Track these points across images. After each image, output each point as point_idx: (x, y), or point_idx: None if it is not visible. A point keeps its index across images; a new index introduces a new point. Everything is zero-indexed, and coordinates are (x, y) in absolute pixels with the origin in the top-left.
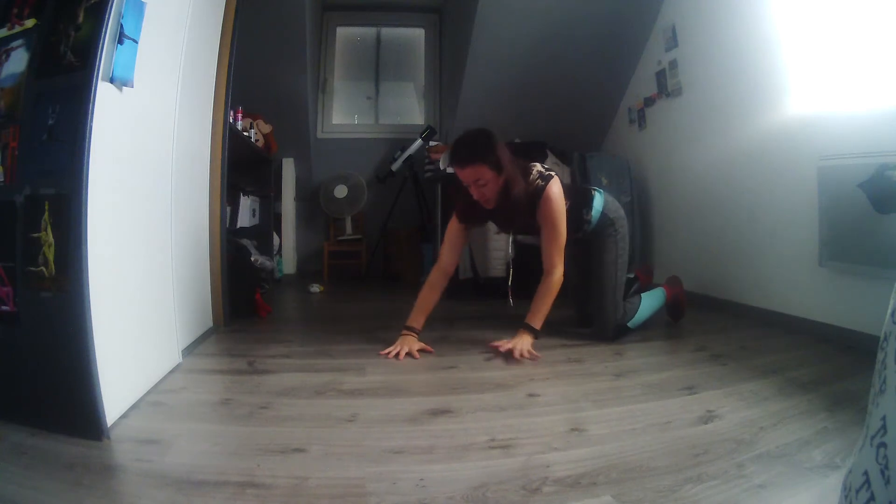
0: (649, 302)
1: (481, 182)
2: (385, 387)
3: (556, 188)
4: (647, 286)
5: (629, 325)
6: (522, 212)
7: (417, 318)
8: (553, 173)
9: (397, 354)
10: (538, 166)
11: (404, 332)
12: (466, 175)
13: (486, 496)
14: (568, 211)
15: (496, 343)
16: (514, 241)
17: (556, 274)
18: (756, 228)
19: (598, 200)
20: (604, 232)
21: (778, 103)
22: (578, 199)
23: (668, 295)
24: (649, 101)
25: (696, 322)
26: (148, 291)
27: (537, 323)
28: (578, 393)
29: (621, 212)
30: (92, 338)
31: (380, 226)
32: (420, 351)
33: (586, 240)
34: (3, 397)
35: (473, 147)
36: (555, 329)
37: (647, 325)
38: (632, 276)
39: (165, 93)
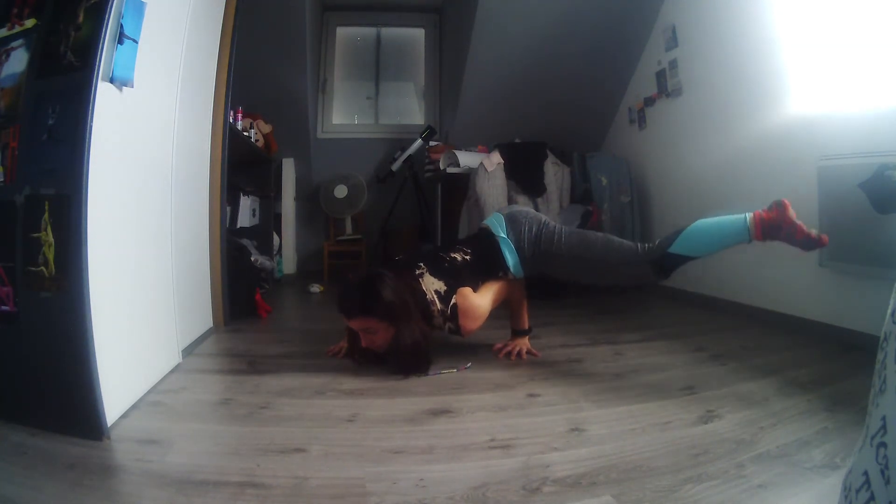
0: (708, 225)
1: (371, 330)
2: (385, 387)
3: (465, 299)
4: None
5: (671, 251)
6: (423, 355)
7: None
8: (451, 287)
9: (337, 353)
10: (433, 286)
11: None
12: (354, 325)
13: (486, 496)
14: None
15: (497, 345)
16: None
17: (508, 296)
18: None
19: (511, 257)
20: (538, 263)
21: (778, 103)
22: (491, 264)
23: (755, 219)
24: (649, 101)
25: (697, 322)
26: (148, 291)
27: (523, 324)
28: (578, 393)
29: (533, 231)
30: (92, 338)
31: (380, 226)
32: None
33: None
34: (3, 397)
35: (360, 299)
36: (556, 328)
37: (714, 255)
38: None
39: (165, 93)
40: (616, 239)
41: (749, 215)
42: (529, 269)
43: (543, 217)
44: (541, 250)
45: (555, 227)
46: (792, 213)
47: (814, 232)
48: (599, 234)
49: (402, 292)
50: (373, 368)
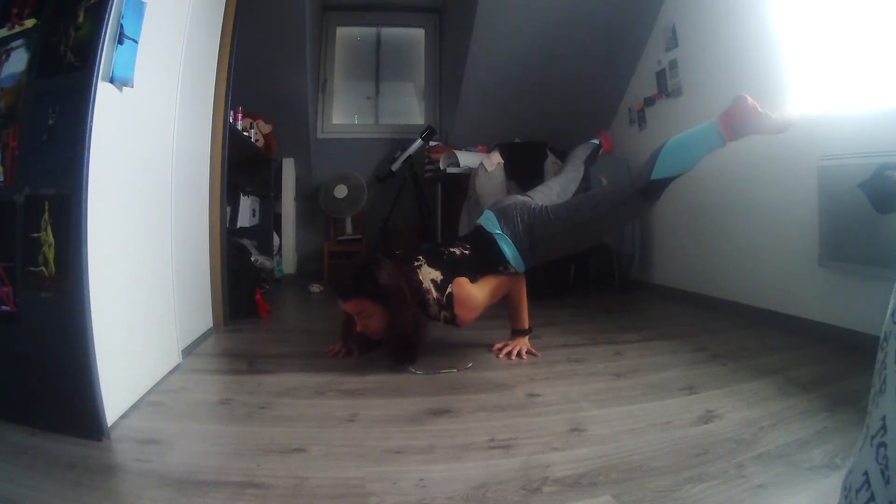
0: (681, 140)
1: (365, 314)
2: (385, 387)
3: (461, 288)
4: (610, 151)
5: (654, 178)
6: (416, 342)
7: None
8: (448, 276)
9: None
10: (429, 276)
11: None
12: (349, 307)
13: (486, 496)
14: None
15: (497, 346)
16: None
17: (508, 293)
18: (756, 228)
19: (510, 250)
20: (538, 251)
21: (778, 103)
22: (489, 259)
23: (721, 121)
24: (649, 101)
25: (696, 322)
26: (148, 291)
27: (523, 324)
28: (578, 393)
29: (525, 220)
30: (92, 338)
31: (380, 226)
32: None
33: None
34: (3, 397)
35: (355, 281)
36: (556, 328)
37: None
38: (596, 142)
39: (165, 93)
40: (598, 190)
41: (715, 119)
42: (530, 259)
43: (531, 202)
44: (537, 236)
45: (541, 208)
46: (751, 101)
47: (782, 116)
48: (580, 195)
49: (398, 278)
50: (373, 368)
